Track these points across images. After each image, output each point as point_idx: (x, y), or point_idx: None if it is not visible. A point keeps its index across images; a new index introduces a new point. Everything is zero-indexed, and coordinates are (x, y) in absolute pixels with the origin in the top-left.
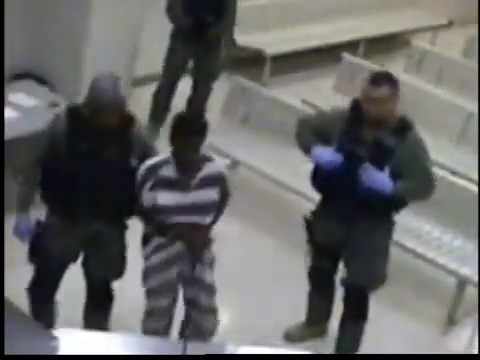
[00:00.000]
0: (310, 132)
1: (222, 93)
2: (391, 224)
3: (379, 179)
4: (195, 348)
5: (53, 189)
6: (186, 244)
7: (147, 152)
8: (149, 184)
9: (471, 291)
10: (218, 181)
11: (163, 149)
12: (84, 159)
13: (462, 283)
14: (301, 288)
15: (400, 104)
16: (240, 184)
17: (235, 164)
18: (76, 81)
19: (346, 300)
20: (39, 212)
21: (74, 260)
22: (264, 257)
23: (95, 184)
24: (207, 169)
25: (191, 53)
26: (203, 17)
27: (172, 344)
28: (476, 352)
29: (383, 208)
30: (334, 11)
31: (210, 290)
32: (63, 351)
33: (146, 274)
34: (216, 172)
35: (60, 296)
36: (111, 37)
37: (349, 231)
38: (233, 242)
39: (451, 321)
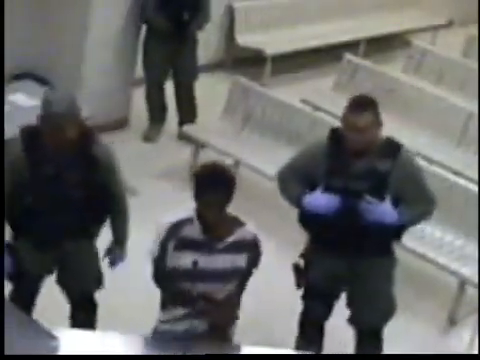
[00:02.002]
0: (294, 182)
1: (222, 93)
2: (393, 252)
3: (383, 211)
4: (195, 348)
5: (18, 213)
6: (210, 324)
7: (110, 166)
8: (172, 244)
9: (472, 291)
10: (250, 247)
11: (163, 149)
12: (47, 180)
13: (463, 283)
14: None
15: (401, 104)
16: (240, 184)
17: (235, 164)
18: (76, 81)
19: (359, 340)
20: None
21: (49, 273)
22: (264, 257)
23: (60, 205)
24: (240, 233)
25: (170, 53)
26: (180, 16)
27: (172, 344)
28: (476, 352)
29: (387, 239)
30: (334, 11)
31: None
32: (63, 351)
33: (158, 332)
34: (249, 238)
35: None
36: (111, 37)
37: (350, 268)
38: None
39: (452, 321)
